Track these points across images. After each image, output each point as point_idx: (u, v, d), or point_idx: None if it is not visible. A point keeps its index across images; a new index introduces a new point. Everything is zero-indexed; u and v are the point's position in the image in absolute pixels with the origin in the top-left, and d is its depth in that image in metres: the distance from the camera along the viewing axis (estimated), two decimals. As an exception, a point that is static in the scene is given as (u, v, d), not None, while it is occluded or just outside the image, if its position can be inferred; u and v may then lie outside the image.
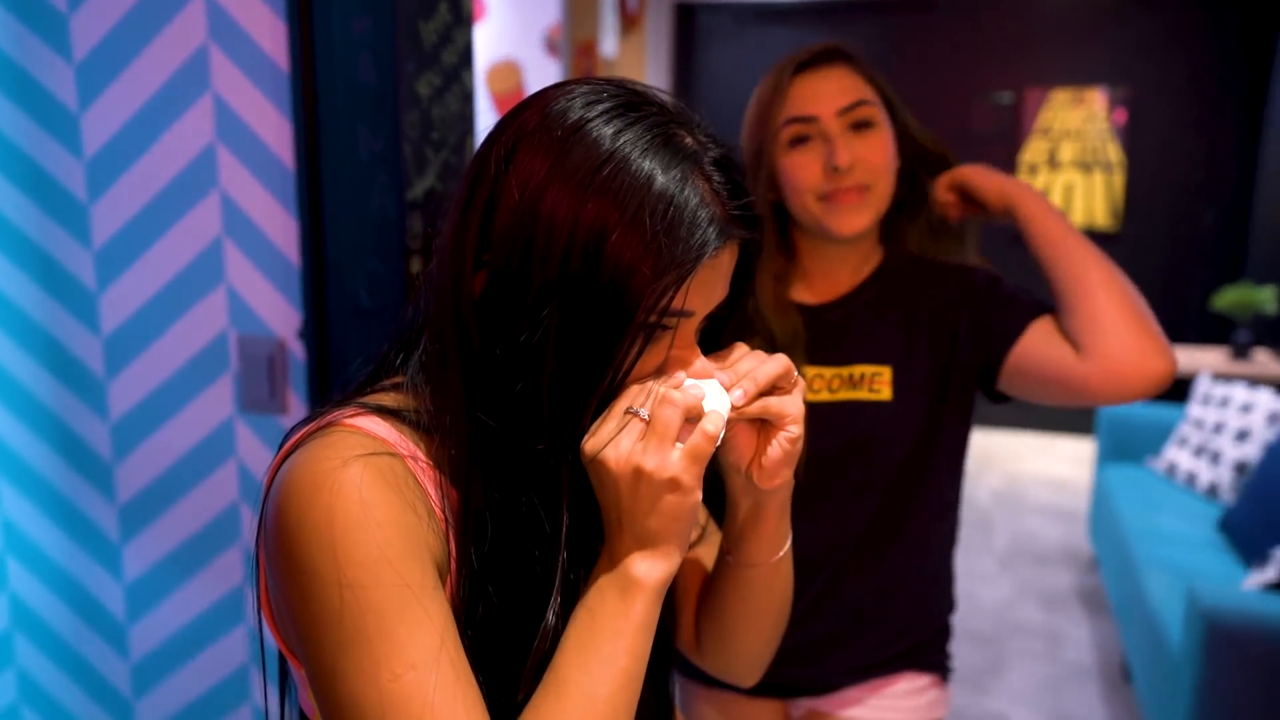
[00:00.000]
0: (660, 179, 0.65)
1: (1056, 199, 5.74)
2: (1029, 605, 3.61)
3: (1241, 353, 4.48)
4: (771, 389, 0.72)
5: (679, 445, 0.66)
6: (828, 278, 1.32)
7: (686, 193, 0.65)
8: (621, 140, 0.65)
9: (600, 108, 0.67)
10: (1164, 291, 5.65)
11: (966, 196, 1.32)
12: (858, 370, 1.28)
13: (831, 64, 1.25)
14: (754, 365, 0.72)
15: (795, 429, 0.73)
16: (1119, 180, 5.67)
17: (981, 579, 3.79)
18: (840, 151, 1.20)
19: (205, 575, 1.61)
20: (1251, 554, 2.80)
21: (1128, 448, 3.86)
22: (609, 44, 4.64)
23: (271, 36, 1.41)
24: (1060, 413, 5.93)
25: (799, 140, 1.23)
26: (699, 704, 1.41)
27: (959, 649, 2.65)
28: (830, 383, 1.28)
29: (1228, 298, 4.45)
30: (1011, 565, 3.97)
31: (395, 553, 0.63)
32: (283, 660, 0.75)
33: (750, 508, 0.80)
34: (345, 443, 0.66)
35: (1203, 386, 3.65)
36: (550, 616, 0.69)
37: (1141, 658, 2.67)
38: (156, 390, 1.56)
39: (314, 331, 1.44)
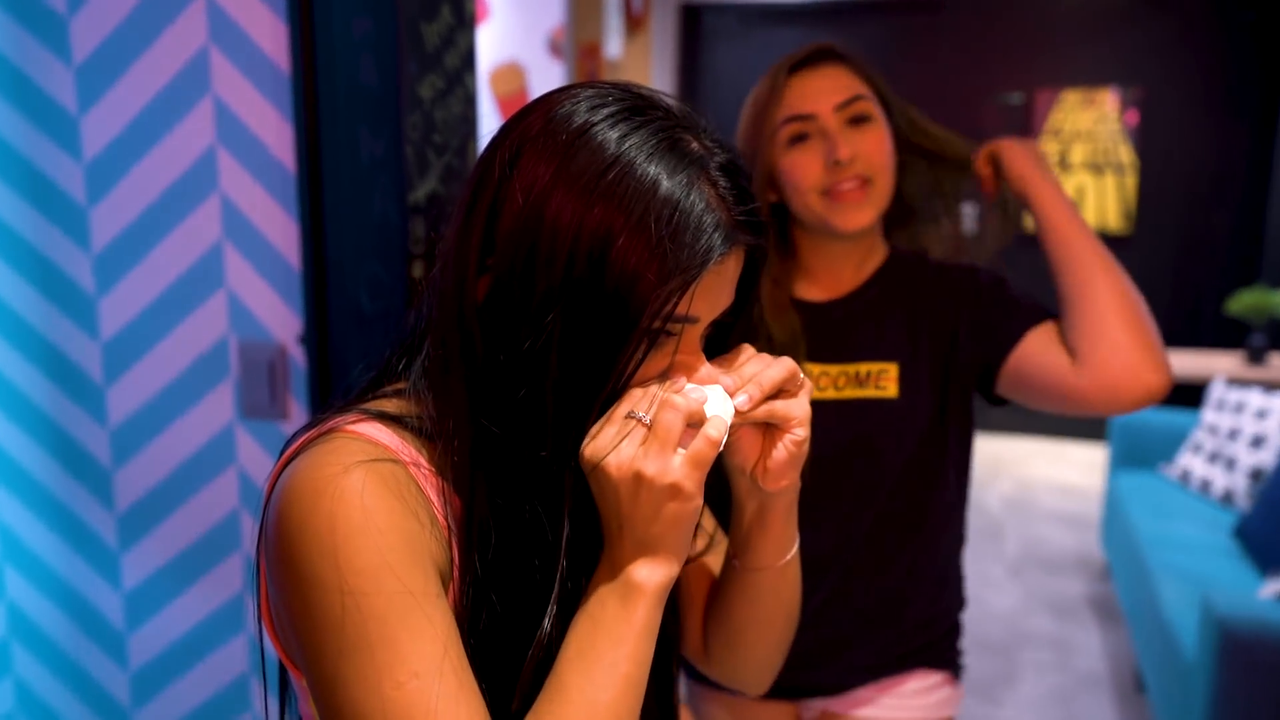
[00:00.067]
0: (665, 184, 0.65)
1: (1067, 201, 5.73)
2: (1040, 614, 3.60)
3: (1256, 357, 4.47)
4: (777, 392, 0.73)
5: (681, 451, 0.66)
6: (831, 275, 1.34)
7: (692, 198, 0.66)
8: (627, 145, 0.66)
9: (605, 112, 0.67)
10: (1177, 295, 5.64)
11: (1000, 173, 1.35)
12: (864, 368, 1.29)
13: (826, 63, 1.27)
14: (759, 369, 0.72)
15: (801, 432, 0.74)
16: (1131, 182, 5.66)
17: (992, 587, 3.78)
18: (840, 145, 1.22)
19: (205, 583, 1.61)
20: (1267, 562, 2.79)
21: (1140, 454, 3.85)
22: (613, 45, 4.65)
23: (272, 38, 1.42)
24: (1071, 419, 5.92)
25: (798, 138, 1.25)
26: (710, 707, 1.41)
27: (969, 658, 2.65)
28: (836, 380, 1.29)
29: (1242, 301, 4.44)
30: (1022, 573, 3.96)
31: (397, 559, 0.63)
32: (283, 669, 0.75)
33: (756, 510, 0.80)
34: (347, 449, 0.66)
35: (1217, 392, 3.64)
36: (546, 624, 0.69)
37: (1155, 667, 2.66)
38: (156, 396, 1.57)
39: (315, 337, 1.44)
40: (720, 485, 0.83)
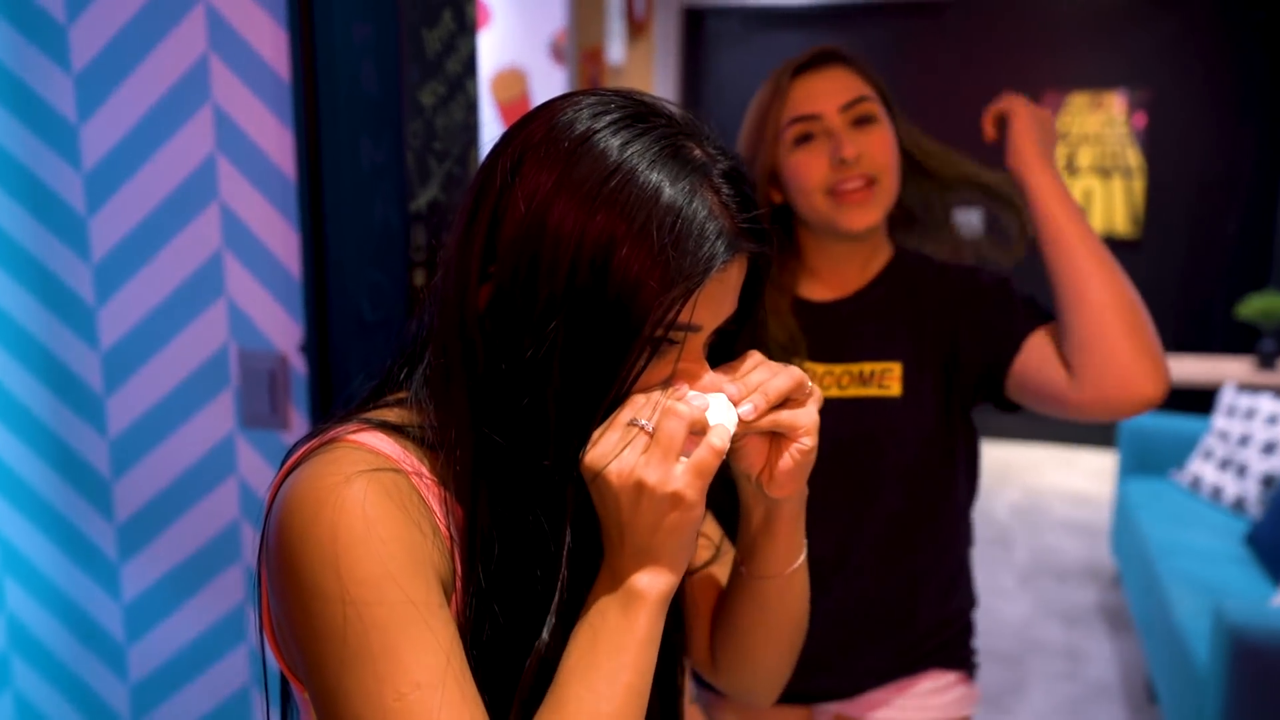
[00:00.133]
0: (668, 191, 0.65)
1: (1075, 205, 5.73)
2: (1050, 623, 3.59)
3: (1267, 362, 4.46)
4: (784, 401, 0.73)
5: (683, 459, 0.66)
6: (836, 275, 1.35)
7: (695, 205, 0.66)
8: (629, 152, 0.66)
9: (608, 119, 0.68)
10: (1186, 300, 5.63)
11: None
12: (867, 367, 1.30)
13: (830, 65, 1.29)
14: (765, 377, 0.72)
15: (808, 441, 0.73)
16: (1139, 186, 5.66)
17: (1001, 596, 3.78)
18: (845, 145, 1.23)
19: (205, 595, 1.61)
20: (1279, 569, 2.78)
21: (1151, 461, 3.85)
22: (616, 50, 4.66)
23: (272, 45, 1.43)
24: (1080, 425, 5.91)
25: (803, 138, 1.27)
26: (723, 713, 1.42)
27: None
28: (840, 379, 1.31)
29: (1253, 306, 4.44)
30: (1032, 582, 3.96)
31: (399, 569, 0.63)
32: (285, 681, 0.75)
33: (762, 516, 0.80)
34: (349, 459, 0.66)
35: (1227, 397, 3.64)
36: (545, 634, 0.69)
37: (1167, 677, 2.65)
38: (156, 406, 1.57)
39: (316, 345, 1.45)
40: (728, 492, 0.83)
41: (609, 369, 0.66)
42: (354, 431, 0.70)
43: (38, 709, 1.73)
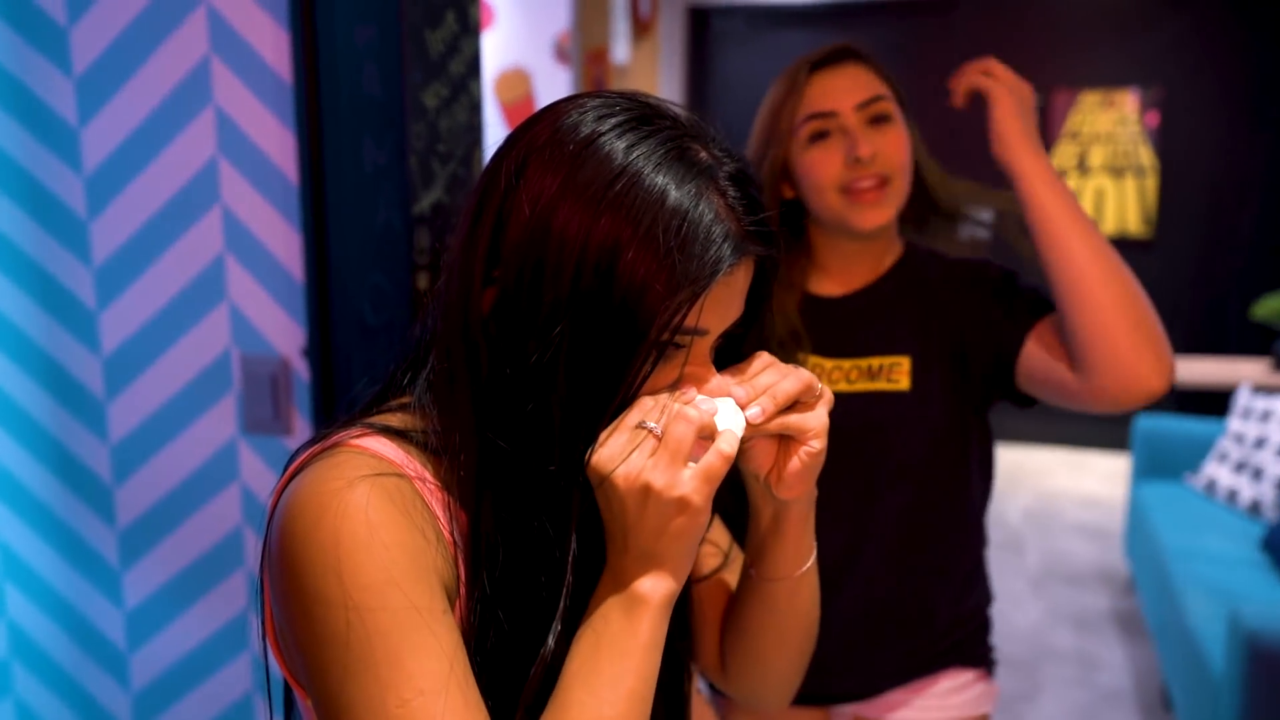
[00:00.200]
0: (674, 194, 0.66)
1: (1087, 205, 5.72)
2: (1062, 629, 3.58)
3: (1283, 363, 4.45)
4: (793, 403, 0.73)
5: (691, 464, 0.66)
6: (846, 271, 1.36)
7: (701, 208, 0.66)
8: (634, 155, 0.66)
9: (612, 122, 0.68)
10: (1200, 301, 5.62)
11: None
12: (876, 361, 1.31)
13: (846, 62, 1.30)
14: (774, 380, 0.72)
15: (817, 444, 0.74)
16: (1152, 185, 5.65)
17: (1012, 601, 3.77)
18: (861, 143, 1.24)
19: (208, 602, 1.61)
20: (1296, 574, 2.77)
21: (1164, 464, 3.84)
22: (621, 50, 4.66)
23: (274, 47, 1.43)
24: (1092, 428, 5.90)
25: (818, 136, 1.28)
26: (738, 716, 1.42)
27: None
28: (849, 374, 1.32)
29: (1268, 306, 4.42)
30: (1044, 587, 3.95)
31: (403, 575, 0.63)
32: (288, 689, 0.76)
33: (771, 517, 0.81)
34: (351, 463, 0.67)
35: (1243, 399, 3.63)
36: (551, 641, 0.69)
37: (1182, 683, 2.64)
38: (157, 411, 1.58)
39: (318, 350, 1.45)
40: (736, 495, 0.84)
41: (614, 373, 0.66)
42: (357, 436, 0.70)
43: (39, 717, 1.73)
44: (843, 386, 1.31)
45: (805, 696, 1.32)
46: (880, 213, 1.27)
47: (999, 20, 5.82)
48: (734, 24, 6.32)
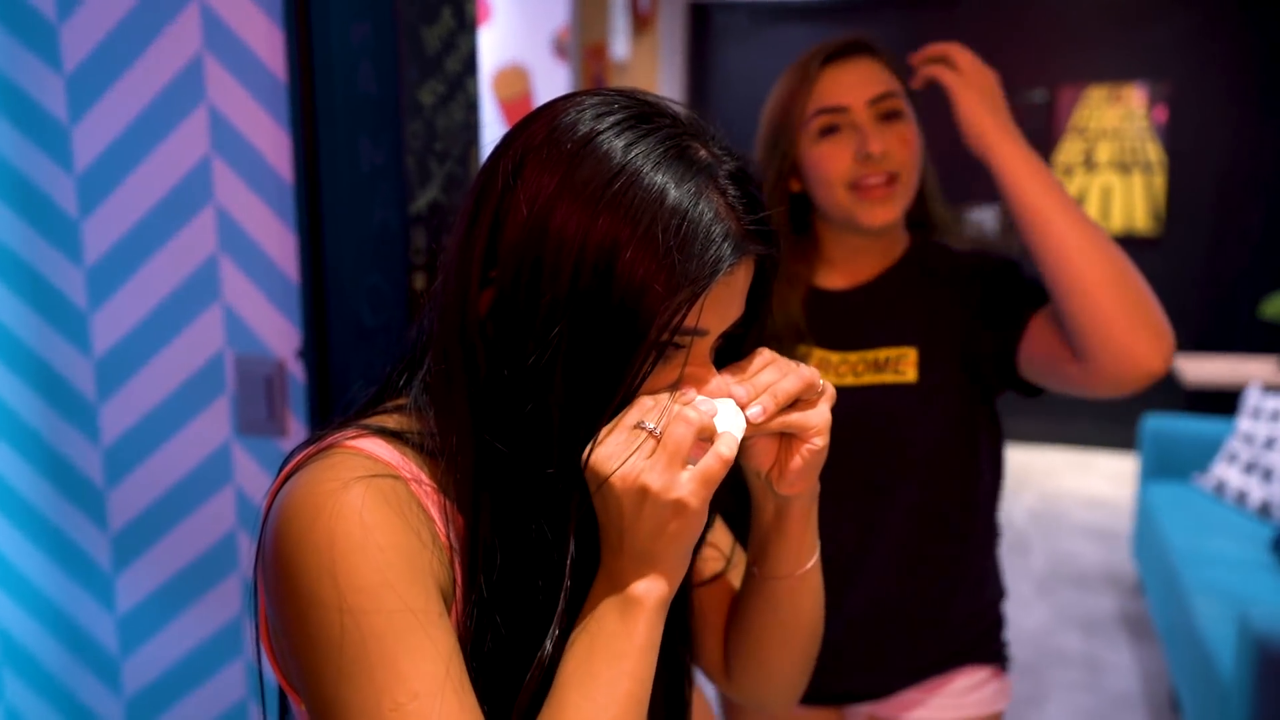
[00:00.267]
0: (673, 193, 0.66)
1: (1094, 202, 5.73)
2: (1069, 632, 3.58)
3: (1293, 362, 4.45)
4: (794, 402, 0.73)
5: (690, 465, 0.66)
6: (852, 265, 1.38)
7: (700, 207, 0.66)
8: (633, 153, 0.66)
9: (611, 120, 0.68)
10: (1209, 299, 5.62)
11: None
12: (882, 354, 1.32)
13: (859, 55, 1.31)
14: (774, 379, 0.72)
15: (819, 441, 0.74)
16: (1160, 181, 5.65)
17: (1018, 604, 3.77)
18: (872, 139, 1.25)
19: (201, 606, 1.62)
20: (1306, 577, 2.77)
21: (1173, 464, 3.84)
22: (620, 46, 4.67)
23: (268, 45, 1.43)
24: (1099, 428, 5.90)
25: (829, 130, 1.29)
26: (750, 718, 1.42)
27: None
28: (855, 367, 1.32)
29: (1277, 304, 4.43)
30: (1050, 589, 3.95)
31: (398, 577, 0.63)
32: (283, 695, 0.76)
33: (773, 513, 0.81)
34: (346, 464, 0.67)
35: (1252, 399, 3.63)
36: (548, 645, 0.70)
37: (1191, 687, 2.64)
38: (150, 413, 1.58)
39: (314, 351, 1.45)
40: (739, 495, 0.84)
41: (613, 375, 0.67)
42: (352, 437, 0.70)
43: (31, 724, 1.74)
44: (850, 380, 1.32)
45: (818, 696, 1.34)
46: (888, 210, 1.28)
47: (1003, 14, 5.82)
48: (736, 19, 6.33)
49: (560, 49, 4.09)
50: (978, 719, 1.38)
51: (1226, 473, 3.56)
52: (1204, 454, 3.78)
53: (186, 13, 1.45)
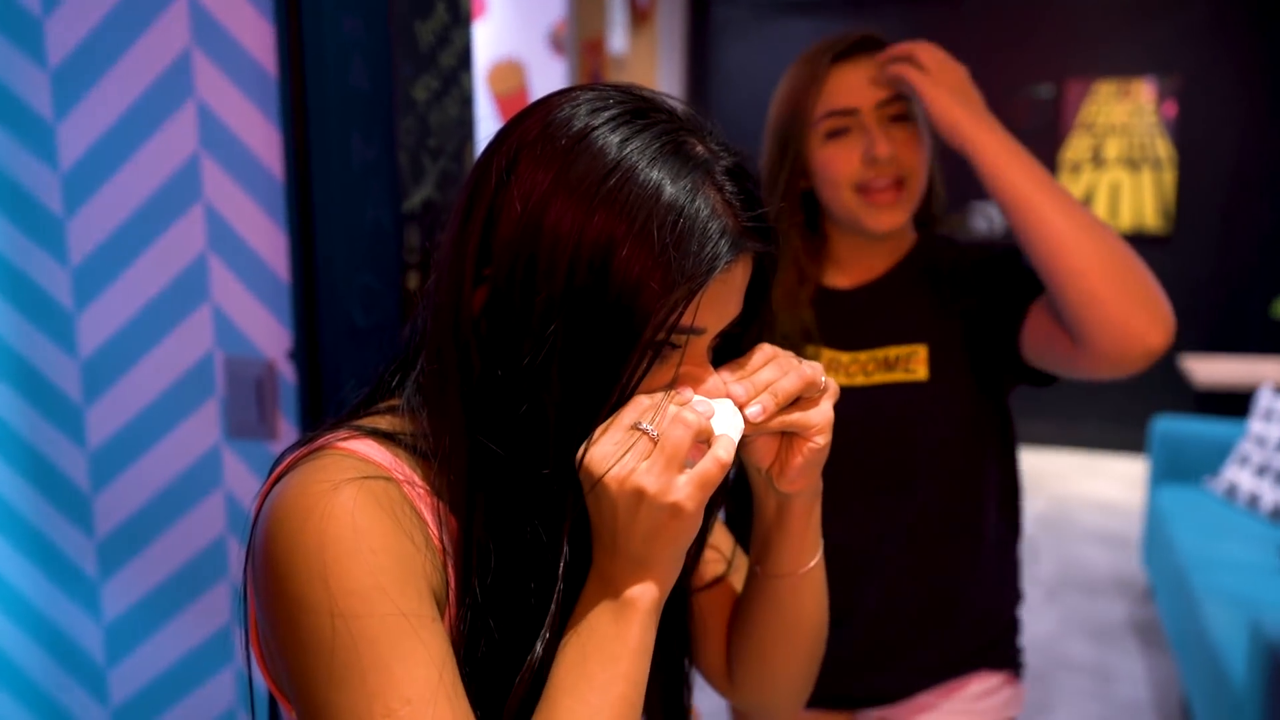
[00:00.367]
0: (669, 189, 0.66)
1: (1102, 199, 5.73)
2: (1078, 638, 3.59)
3: (1306, 363, 4.45)
4: (795, 399, 0.73)
5: (686, 467, 0.66)
6: (860, 264, 1.39)
7: (697, 204, 0.66)
8: (628, 149, 0.67)
9: (606, 115, 0.68)
10: (1220, 298, 5.62)
11: None
12: (892, 352, 1.33)
13: (868, 54, 1.31)
14: (774, 377, 0.72)
15: (821, 439, 0.74)
16: (1169, 178, 5.66)
17: (1026, 610, 3.77)
18: (880, 143, 1.26)
19: (190, 614, 1.62)
20: (1320, 582, 2.78)
21: (1183, 467, 3.84)
22: (618, 40, 4.67)
23: (258, 39, 1.43)
24: (1109, 431, 5.90)
25: (837, 133, 1.30)
26: None
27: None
28: (865, 366, 1.33)
29: (1290, 304, 4.43)
30: (1059, 595, 3.95)
31: (390, 580, 0.64)
32: (273, 702, 0.76)
33: (775, 510, 0.81)
34: (338, 466, 0.67)
35: (1264, 400, 3.63)
36: (538, 649, 0.70)
37: (1202, 695, 2.64)
38: (138, 416, 1.58)
39: (305, 352, 1.45)
40: (741, 495, 0.84)
41: (609, 374, 0.67)
42: (344, 439, 0.70)
43: (15, 734, 1.74)
44: (860, 380, 1.33)
45: (830, 699, 1.34)
46: (895, 215, 1.29)
47: (1009, 6, 5.83)
48: (737, 13, 6.33)
49: (557, 43, 4.09)
50: None
51: (1238, 476, 3.56)
52: (1215, 457, 3.78)
53: (174, 7, 1.45)
